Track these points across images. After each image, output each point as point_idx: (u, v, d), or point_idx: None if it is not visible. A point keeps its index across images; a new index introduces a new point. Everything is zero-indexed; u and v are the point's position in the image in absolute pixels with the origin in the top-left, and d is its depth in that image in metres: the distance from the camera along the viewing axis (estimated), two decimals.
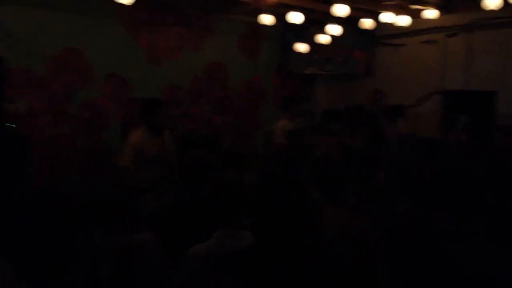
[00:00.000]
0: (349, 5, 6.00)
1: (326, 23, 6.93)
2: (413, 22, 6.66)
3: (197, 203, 2.86)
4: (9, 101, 5.77)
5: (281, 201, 1.90)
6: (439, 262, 2.00)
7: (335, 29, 6.84)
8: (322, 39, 7.28)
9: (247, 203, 2.21)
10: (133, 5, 5.85)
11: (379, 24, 6.97)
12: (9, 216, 2.52)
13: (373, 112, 7.08)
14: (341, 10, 5.97)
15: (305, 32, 7.86)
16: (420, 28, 7.27)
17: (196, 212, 2.76)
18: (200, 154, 3.45)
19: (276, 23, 6.83)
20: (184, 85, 7.47)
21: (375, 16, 6.76)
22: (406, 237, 2.10)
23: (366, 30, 7.30)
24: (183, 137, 6.96)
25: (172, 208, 2.83)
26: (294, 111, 6.64)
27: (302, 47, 7.52)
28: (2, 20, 5.79)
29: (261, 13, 6.54)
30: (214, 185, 2.55)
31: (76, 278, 2.14)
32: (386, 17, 6.51)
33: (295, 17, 6.29)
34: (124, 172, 4.67)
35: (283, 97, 7.39)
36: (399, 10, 6.59)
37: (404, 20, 6.51)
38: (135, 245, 2.52)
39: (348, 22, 7.07)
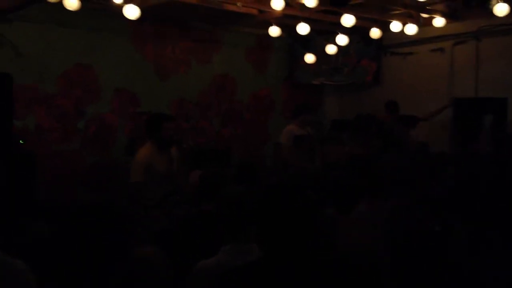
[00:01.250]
0: (356, 15, 6.00)
1: (333, 34, 6.92)
2: (421, 31, 6.64)
3: (206, 218, 2.84)
4: (17, 118, 5.83)
5: (291, 212, 1.87)
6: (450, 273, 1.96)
7: (342, 39, 6.83)
8: (330, 49, 7.28)
9: (257, 217, 2.18)
10: (141, 20, 5.89)
11: (387, 33, 6.96)
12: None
13: (387, 122, 6.96)
14: (348, 20, 5.97)
15: (313, 43, 7.86)
16: (427, 36, 7.23)
17: (205, 227, 2.74)
18: (213, 171, 3.44)
19: (283, 34, 6.85)
20: (193, 98, 7.48)
21: (382, 26, 6.74)
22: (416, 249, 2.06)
23: (373, 40, 7.28)
24: (193, 151, 6.98)
25: (181, 224, 2.81)
26: (304, 119, 6.58)
27: (310, 58, 7.51)
28: (11, 38, 5.84)
29: (268, 25, 6.56)
30: (223, 199, 2.53)
31: None
32: (394, 26, 6.50)
33: (302, 28, 6.29)
34: (136, 188, 4.62)
35: (296, 104, 7.37)
36: (406, 19, 6.57)
37: (411, 29, 6.49)
38: (142, 259, 2.50)
39: (355, 32, 7.07)
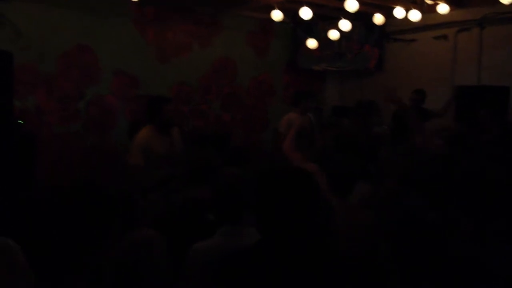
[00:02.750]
0: (359, 0, 5.95)
1: (336, 19, 6.87)
2: (424, 18, 6.58)
3: (201, 201, 2.83)
4: (17, 98, 5.80)
5: (290, 195, 1.85)
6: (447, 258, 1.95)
7: (345, 25, 6.77)
8: (332, 35, 7.22)
9: (252, 199, 2.17)
10: (142, 2, 5.85)
11: (390, 20, 6.90)
12: (16, 213, 2.50)
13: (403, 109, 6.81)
14: (351, 5, 5.91)
15: (315, 28, 7.81)
16: (431, 23, 7.17)
17: (201, 210, 2.73)
18: (205, 154, 3.43)
19: (286, 19, 6.80)
20: (193, 82, 7.45)
21: (385, 12, 6.69)
22: (415, 233, 2.05)
23: (376, 26, 7.23)
24: (192, 135, 6.96)
25: (178, 207, 2.80)
26: (305, 106, 6.53)
27: (312, 43, 7.46)
28: (11, 17, 5.80)
29: (270, 10, 6.50)
30: (216, 181, 2.52)
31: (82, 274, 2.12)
32: (397, 12, 6.44)
33: (305, 13, 6.24)
34: (134, 171, 4.61)
35: (295, 91, 7.33)
36: (410, 5, 6.52)
37: (415, 16, 6.43)
38: (140, 242, 2.49)
39: (358, 18, 7.01)
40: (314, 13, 6.30)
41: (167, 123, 4.79)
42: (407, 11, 6.47)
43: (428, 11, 6.62)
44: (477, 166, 2.31)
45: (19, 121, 5.48)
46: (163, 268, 2.48)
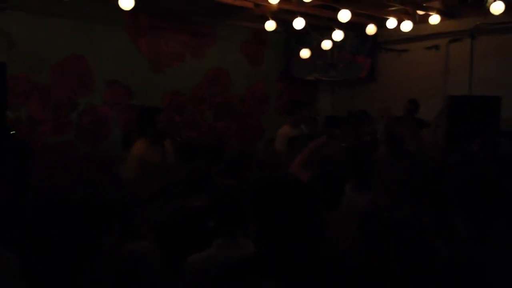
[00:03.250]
0: (352, 10, 5.99)
1: (329, 29, 6.91)
2: (416, 28, 6.65)
3: (197, 212, 2.82)
4: (10, 108, 5.77)
5: (288, 207, 1.85)
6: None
7: (338, 35, 6.82)
8: (325, 45, 7.27)
9: (248, 210, 2.16)
10: (136, 12, 5.84)
11: (382, 30, 6.96)
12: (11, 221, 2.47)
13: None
14: (344, 15, 5.96)
15: (308, 38, 7.84)
16: (422, 34, 7.24)
17: (197, 222, 2.72)
18: (199, 164, 3.43)
19: (279, 29, 6.82)
20: (186, 92, 7.45)
21: (377, 22, 6.75)
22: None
23: (368, 36, 7.28)
24: (186, 145, 6.94)
25: (173, 218, 2.79)
26: (299, 116, 6.52)
27: (305, 53, 7.50)
28: (4, 27, 5.78)
29: (264, 20, 6.53)
30: (214, 193, 2.52)
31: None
32: (390, 23, 6.50)
33: (298, 23, 6.27)
34: (128, 185, 4.60)
35: (290, 100, 7.34)
36: (402, 16, 6.58)
37: (407, 26, 6.50)
38: (135, 255, 2.48)
39: (350, 28, 7.06)
40: (307, 23, 6.33)
41: (159, 134, 4.78)
42: (399, 21, 6.53)
43: (420, 21, 6.69)
44: (473, 169, 2.32)
45: (11, 131, 5.46)
46: (158, 279, 2.47)
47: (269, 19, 6.48)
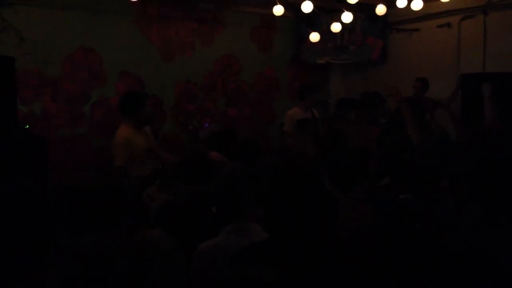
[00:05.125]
0: None
1: (338, 12, 6.84)
2: (427, 6, 6.53)
3: (205, 198, 2.83)
4: (22, 103, 5.84)
5: (297, 192, 1.84)
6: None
7: (347, 17, 6.74)
8: (335, 27, 7.20)
9: (258, 195, 2.16)
10: (144, 1, 5.85)
11: (392, 10, 6.86)
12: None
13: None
14: None
15: (318, 21, 7.78)
16: (434, 12, 7.14)
17: (205, 208, 2.73)
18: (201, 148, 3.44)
19: (288, 13, 6.77)
20: (198, 80, 7.46)
21: (387, 2, 6.65)
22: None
23: (379, 17, 7.19)
24: (199, 132, 6.98)
25: (181, 203, 2.80)
26: (310, 100, 6.51)
27: (314, 37, 7.43)
28: (14, 22, 5.82)
29: (272, 5, 6.49)
30: (221, 178, 2.52)
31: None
32: (400, 2, 6.40)
33: (307, 7, 6.21)
34: (119, 172, 4.65)
35: (300, 84, 7.31)
36: None
37: (417, 4, 6.38)
38: (149, 243, 2.51)
39: (360, 9, 6.98)
40: (315, 6, 6.27)
41: (147, 119, 4.86)
42: (409, 0, 6.43)
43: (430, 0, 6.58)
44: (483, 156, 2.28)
45: (25, 126, 5.52)
46: (171, 267, 2.49)
47: (277, 4, 6.44)
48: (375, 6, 6.66)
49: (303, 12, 6.37)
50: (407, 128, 4.79)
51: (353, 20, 6.83)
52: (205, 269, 2.32)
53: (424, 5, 6.34)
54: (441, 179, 2.99)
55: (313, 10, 6.28)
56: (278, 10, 6.48)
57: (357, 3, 6.05)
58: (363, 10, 7.30)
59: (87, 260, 2.21)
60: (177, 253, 2.48)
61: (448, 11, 7.05)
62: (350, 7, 6.50)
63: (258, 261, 1.81)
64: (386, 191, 3.26)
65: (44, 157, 4.80)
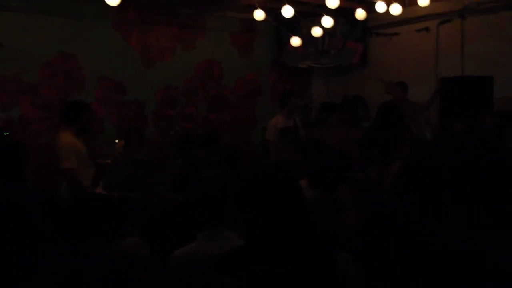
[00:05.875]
0: None
1: (318, 16, 6.87)
2: (406, 11, 6.61)
3: (182, 205, 2.82)
4: (2, 109, 5.77)
5: (275, 197, 1.84)
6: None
7: (327, 22, 6.77)
8: (315, 32, 7.23)
9: (235, 202, 2.15)
10: (124, 6, 5.81)
11: (372, 14, 6.92)
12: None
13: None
14: (332, 1, 5.92)
15: (298, 26, 7.81)
16: (412, 16, 7.21)
17: (182, 214, 2.72)
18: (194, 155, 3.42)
19: (268, 18, 6.79)
20: (179, 84, 7.43)
21: (367, 7, 6.70)
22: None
23: (359, 21, 7.24)
24: (180, 138, 6.94)
25: (159, 212, 2.79)
26: (291, 106, 6.48)
27: (295, 41, 7.45)
28: None
29: (253, 9, 6.50)
30: (198, 184, 2.51)
31: None
32: (379, 6, 6.46)
33: (287, 11, 6.24)
34: (71, 174, 4.79)
35: (280, 93, 7.31)
36: None
37: (396, 9, 6.45)
38: (124, 252, 2.47)
39: (340, 14, 7.02)
40: (296, 11, 6.30)
41: (87, 128, 5.07)
42: (388, 5, 6.48)
43: (409, 4, 6.66)
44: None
45: (5, 132, 5.45)
46: (148, 275, 2.47)
47: (257, 8, 6.45)
48: (354, 11, 6.71)
49: (283, 17, 6.39)
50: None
51: (333, 25, 6.87)
52: (180, 275, 2.31)
53: (403, 10, 6.42)
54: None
55: (293, 15, 6.31)
56: (259, 15, 6.50)
57: (337, 8, 6.08)
58: (343, 15, 7.33)
59: (65, 270, 2.18)
60: (153, 260, 2.45)
61: (426, 16, 7.13)
62: (330, 12, 6.54)
63: (232, 269, 1.80)
64: (371, 192, 3.29)
65: (21, 162, 4.75)
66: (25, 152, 4.92)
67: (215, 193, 2.43)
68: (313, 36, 7.39)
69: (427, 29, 7.32)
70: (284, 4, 6.23)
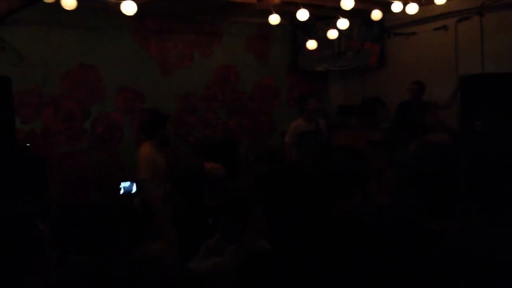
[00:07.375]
0: None
1: (334, 18, 6.85)
2: (423, 10, 6.54)
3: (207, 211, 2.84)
4: (22, 121, 5.87)
5: (304, 197, 1.84)
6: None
7: (343, 23, 6.74)
8: (331, 34, 7.20)
9: (255, 205, 2.15)
10: (142, 16, 5.87)
11: (388, 15, 6.87)
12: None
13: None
14: (347, 3, 5.89)
15: (314, 29, 7.80)
16: (430, 15, 7.15)
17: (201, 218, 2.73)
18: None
19: (284, 22, 6.79)
20: (197, 91, 7.47)
21: (383, 7, 6.66)
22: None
23: (375, 22, 7.20)
24: (200, 145, 6.99)
25: (181, 217, 2.81)
26: (308, 110, 6.45)
27: (311, 44, 7.43)
28: (12, 42, 5.87)
29: (268, 14, 6.50)
30: (219, 193, 2.52)
31: None
32: (395, 6, 6.41)
33: (302, 15, 6.23)
34: (146, 186, 4.78)
35: (297, 98, 7.30)
36: None
37: (412, 8, 6.39)
38: (151, 257, 2.50)
39: (356, 15, 6.99)
40: (311, 14, 6.28)
41: (167, 140, 5.02)
42: (404, 4, 6.43)
43: (426, 3, 6.59)
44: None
45: (27, 144, 5.54)
46: (173, 281, 2.49)
47: (272, 13, 6.45)
48: (370, 12, 6.67)
49: (298, 20, 6.39)
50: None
51: (349, 26, 6.83)
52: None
53: (419, 9, 6.36)
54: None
55: (309, 18, 6.30)
56: (274, 19, 6.50)
57: (352, 9, 6.05)
58: (359, 16, 7.30)
59: (88, 279, 2.21)
60: (177, 267, 2.47)
61: (443, 14, 7.07)
62: (345, 14, 6.51)
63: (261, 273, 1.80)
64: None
65: (42, 175, 4.83)
66: (44, 164, 5.03)
67: (244, 202, 2.43)
68: (329, 39, 7.37)
69: (445, 27, 7.24)
70: (299, 7, 6.22)
